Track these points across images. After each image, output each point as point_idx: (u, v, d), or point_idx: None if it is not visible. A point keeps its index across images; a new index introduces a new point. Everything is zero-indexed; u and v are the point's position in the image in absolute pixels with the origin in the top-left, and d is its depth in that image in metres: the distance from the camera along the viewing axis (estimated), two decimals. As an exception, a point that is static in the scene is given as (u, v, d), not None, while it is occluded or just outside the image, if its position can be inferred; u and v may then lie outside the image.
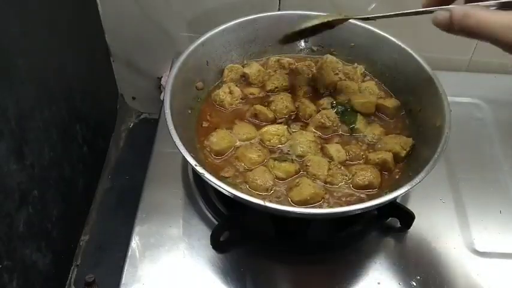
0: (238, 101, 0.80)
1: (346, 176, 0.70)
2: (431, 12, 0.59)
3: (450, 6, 0.58)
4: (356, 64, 0.86)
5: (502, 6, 0.55)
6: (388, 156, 0.72)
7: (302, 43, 0.89)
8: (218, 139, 0.73)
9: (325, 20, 0.73)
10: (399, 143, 0.73)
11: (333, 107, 0.79)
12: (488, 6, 0.55)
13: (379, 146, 0.75)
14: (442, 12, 0.57)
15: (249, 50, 0.87)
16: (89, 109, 1.02)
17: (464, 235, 0.76)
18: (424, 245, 0.74)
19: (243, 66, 0.85)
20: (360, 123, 0.77)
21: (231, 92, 0.80)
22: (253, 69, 0.84)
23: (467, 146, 0.89)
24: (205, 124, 0.78)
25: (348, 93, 0.81)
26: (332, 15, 0.73)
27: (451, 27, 0.56)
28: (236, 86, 0.82)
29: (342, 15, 0.73)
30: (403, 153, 0.73)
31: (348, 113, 0.78)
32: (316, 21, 0.73)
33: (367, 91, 0.82)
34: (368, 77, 0.86)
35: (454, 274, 0.72)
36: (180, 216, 0.76)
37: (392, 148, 0.73)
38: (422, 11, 0.61)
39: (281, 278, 0.71)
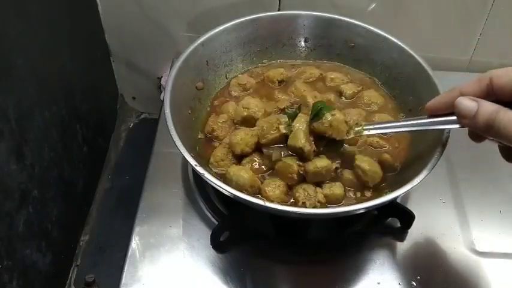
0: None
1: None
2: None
3: (480, 99, 0.52)
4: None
5: None
6: None
7: (302, 43, 0.89)
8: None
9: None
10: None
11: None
12: None
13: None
14: (469, 101, 0.52)
15: (249, 50, 0.87)
16: (89, 109, 1.02)
17: (464, 235, 0.76)
18: (424, 245, 0.74)
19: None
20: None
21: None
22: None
23: (467, 146, 0.88)
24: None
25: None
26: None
27: (474, 120, 0.51)
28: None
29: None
30: None
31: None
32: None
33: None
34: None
35: (454, 274, 0.71)
36: (180, 216, 0.75)
37: None
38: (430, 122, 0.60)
39: (281, 278, 0.71)
